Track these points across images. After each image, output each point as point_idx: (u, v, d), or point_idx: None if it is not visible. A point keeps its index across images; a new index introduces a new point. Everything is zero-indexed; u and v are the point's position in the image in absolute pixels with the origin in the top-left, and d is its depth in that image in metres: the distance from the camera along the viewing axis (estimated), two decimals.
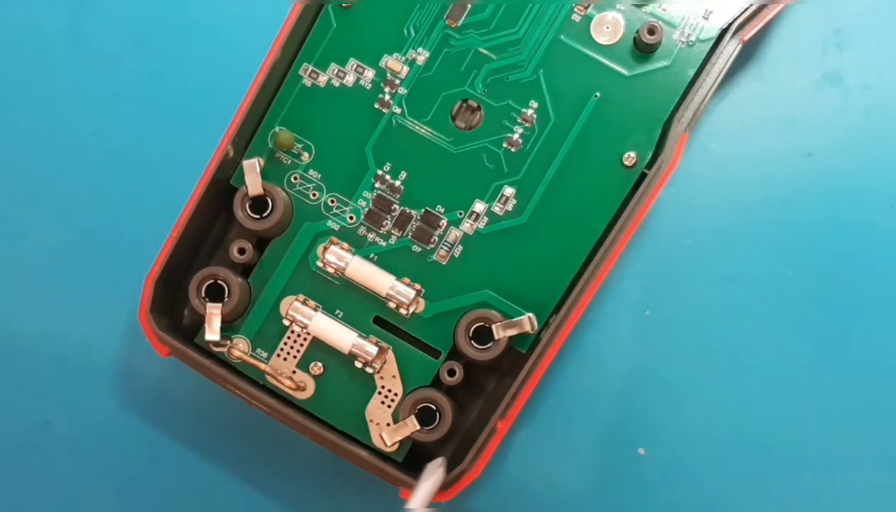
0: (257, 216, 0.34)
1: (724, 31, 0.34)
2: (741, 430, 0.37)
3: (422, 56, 0.35)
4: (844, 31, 0.38)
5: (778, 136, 0.38)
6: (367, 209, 0.35)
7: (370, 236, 0.35)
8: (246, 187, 0.34)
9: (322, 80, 0.35)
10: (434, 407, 0.34)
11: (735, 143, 0.38)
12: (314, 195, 0.35)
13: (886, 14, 0.38)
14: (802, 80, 0.38)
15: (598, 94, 0.34)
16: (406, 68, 0.35)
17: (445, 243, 0.35)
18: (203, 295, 0.34)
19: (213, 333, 0.34)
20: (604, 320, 0.38)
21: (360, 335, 0.34)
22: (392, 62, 0.35)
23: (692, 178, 0.38)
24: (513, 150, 0.34)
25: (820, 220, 0.37)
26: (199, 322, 0.35)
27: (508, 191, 0.34)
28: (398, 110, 0.35)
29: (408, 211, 0.35)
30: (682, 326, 0.38)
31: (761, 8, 0.34)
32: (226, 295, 0.34)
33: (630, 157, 0.34)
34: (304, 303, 0.35)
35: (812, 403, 0.37)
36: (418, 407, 0.34)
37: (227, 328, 0.35)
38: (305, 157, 0.35)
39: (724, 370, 0.37)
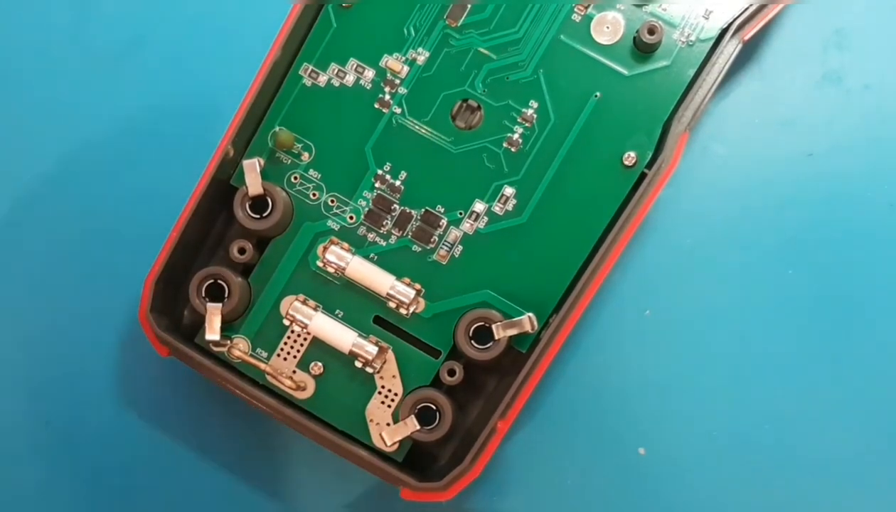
0: (257, 216, 0.34)
1: (724, 31, 0.34)
2: (741, 429, 0.37)
3: (422, 56, 0.35)
4: (844, 31, 0.38)
5: (778, 136, 0.38)
6: (367, 209, 0.35)
7: (370, 236, 0.35)
8: (246, 187, 0.34)
9: (322, 79, 0.35)
10: (434, 407, 0.34)
11: (735, 143, 0.38)
12: (314, 195, 0.35)
13: (886, 14, 0.38)
14: (802, 80, 0.38)
15: (598, 93, 0.34)
16: (406, 68, 0.35)
17: (445, 243, 0.35)
18: (203, 295, 0.34)
19: (213, 333, 0.34)
20: (604, 320, 0.38)
21: (360, 335, 0.34)
22: (392, 62, 0.35)
23: (692, 179, 0.38)
24: (513, 149, 0.34)
25: (820, 220, 0.38)
26: (199, 322, 0.35)
27: (508, 191, 0.34)
28: (398, 110, 0.35)
29: (408, 211, 0.35)
30: (683, 326, 0.38)
31: (761, 8, 0.34)
32: (226, 295, 0.34)
33: (630, 156, 0.34)
34: (304, 303, 0.35)
35: (812, 403, 0.37)
36: (418, 407, 0.34)
37: (227, 328, 0.35)
38: (305, 156, 0.35)
39: (725, 370, 0.37)
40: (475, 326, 0.34)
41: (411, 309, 0.34)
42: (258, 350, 0.35)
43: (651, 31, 0.33)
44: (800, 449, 0.37)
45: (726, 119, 0.38)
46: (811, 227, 0.38)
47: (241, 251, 0.34)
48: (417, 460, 0.35)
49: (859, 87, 0.38)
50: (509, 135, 0.34)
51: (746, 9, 0.34)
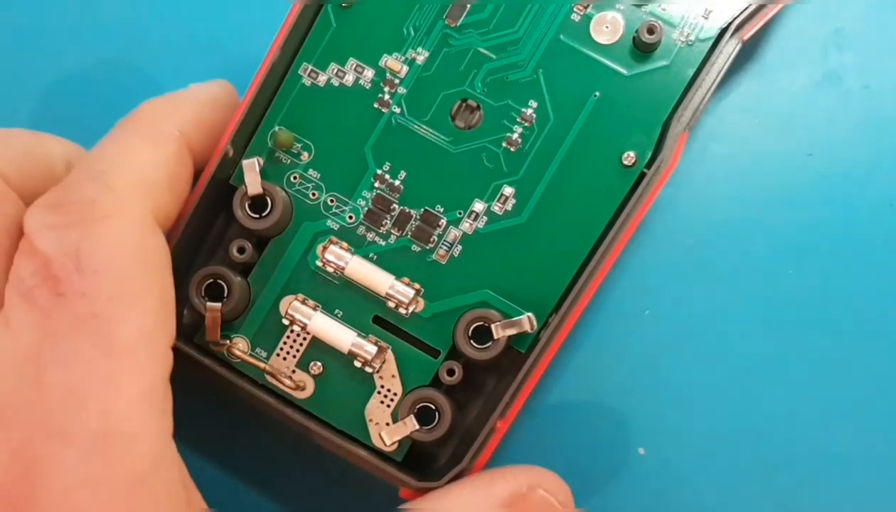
0: (257, 216, 0.34)
1: (723, 31, 0.34)
2: (741, 429, 0.37)
3: (421, 56, 0.35)
4: (844, 31, 0.38)
5: (778, 135, 0.38)
6: (366, 209, 0.35)
7: (369, 236, 0.35)
8: (245, 187, 0.34)
9: (321, 79, 0.35)
10: (433, 406, 0.34)
11: (735, 142, 0.38)
12: (313, 195, 0.35)
13: (886, 14, 0.38)
14: (802, 80, 0.38)
15: (597, 93, 0.34)
16: (405, 68, 0.35)
17: (445, 243, 0.34)
18: (203, 295, 0.34)
19: (213, 332, 0.34)
20: (604, 320, 0.38)
21: (359, 335, 0.34)
22: (391, 62, 0.35)
23: (692, 178, 0.38)
24: (512, 149, 0.34)
25: (820, 220, 0.38)
26: (198, 322, 0.35)
27: (508, 190, 0.34)
28: (397, 110, 0.35)
29: (407, 210, 0.35)
30: (682, 326, 0.38)
31: (760, 7, 0.34)
32: (225, 294, 0.34)
33: (629, 156, 0.34)
34: (303, 302, 0.34)
35: (812, 403, 0.37)
36: (417, 407, 0.34)
37: (227, 328, 0.35)
38: (305, 156, 0.35)
39: (724, 369, 0.38)
40: (474, 325, 0.34)
41: (410, 309, 0.34)
42: (257, 350, 0.35)
43: (650, 31, 0.33)
44: (800, 448, 0.37)
45: (726, 119, 0.38)
46: (811, 227, 0.38)
47: (241, 251, 0.34)
48: (416, 460, 0.35)
49: (859, 86, 0.38)
50: (509, 134, 0.34)
51: (746, 8, 0.34)
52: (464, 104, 0.35)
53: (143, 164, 0.31)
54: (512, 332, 0.33)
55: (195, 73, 0.38)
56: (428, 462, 0.35)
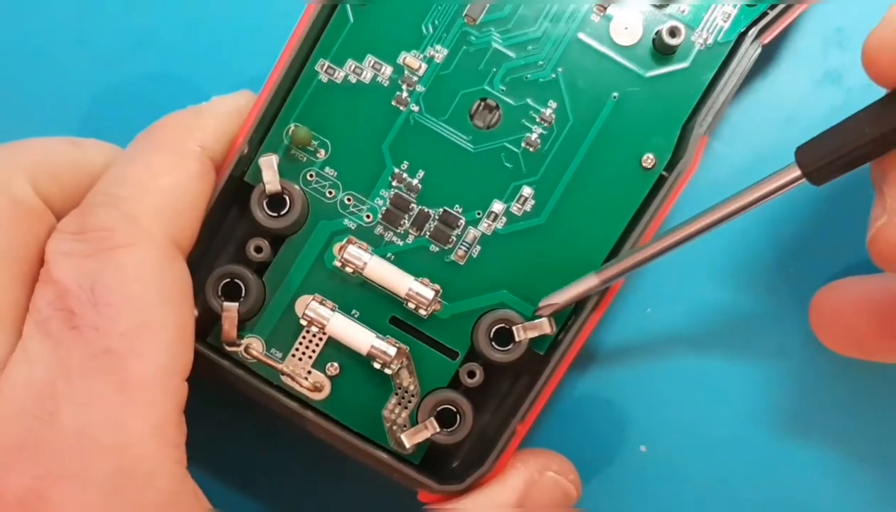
0: (275, 214, 0.33)
1: (743, 35, 0.34)
2: (742, 426, 0.38)
3: (440, 54, 0.34)
4: (845, 30, 0.38)
5: (779, 134, 0.38)
6: (384, 208, 0.34)
7: (387, 235, 0.34)
8: (263, 184, 0.33)
9: (339, 76, 0.34)
10: (454, 409, 0.34)
11: (736, 141, 0.38)
12: (330, 193, 0.34)
13: None
14: (803, 79, 0.38)
15: (616, 94, 0.34)
16: (424, 66, 0.34)
17: (463, 243, 0.34)
18: (219, 294, 0.34)
19: (230, 333, 0.33)
20: (604, 318, 0.38)
21: (378, 336, 0.34)
22: (410, 59, 0.34)
23: (693, 177, 0.38)
24: (531, 150, 0.34)
25: (821, 218, 0.38)
26: (208, 319, 0.34)
27: (527, 191, 0.34)
28: (415, 108, 0.34)
29: (426, 210, 0.34)
30: (684, 324, 0.38)
31: (782, 12, 0.34)
32: (242, 294, 0.34)
33: (648, 159, 0.34)
34: (321, 303, 0.34)
35: (813, 401, 0.38)
36: (438, 409, 0.34)
37: (241, 327, 0.34)
38: (321, 154, 0.34)
39: (725, 367, 0.38)
40: (495, 327, 0.34)
41: (430, 309, 0.34)
42: (272, 350, 0.34)
43: (673, 34, 0.33)
44: (801, 446, 0.38)
45: (727, 117, 0.38)
46: (812, 225, 0.38)
47: (258, 250, 0.34)
48: (432, 461, 0.35)
49: (860, 85, 0.38)
50: (528, 135, 0.34)
51: (766, 13, 0.34)
52: (483, 103, 0.34)
53: (165, 187, 0.30)
54: (533, 334, 0.33)
55: (211, 69, 0.38)
56: (443, 463, 0.35)
